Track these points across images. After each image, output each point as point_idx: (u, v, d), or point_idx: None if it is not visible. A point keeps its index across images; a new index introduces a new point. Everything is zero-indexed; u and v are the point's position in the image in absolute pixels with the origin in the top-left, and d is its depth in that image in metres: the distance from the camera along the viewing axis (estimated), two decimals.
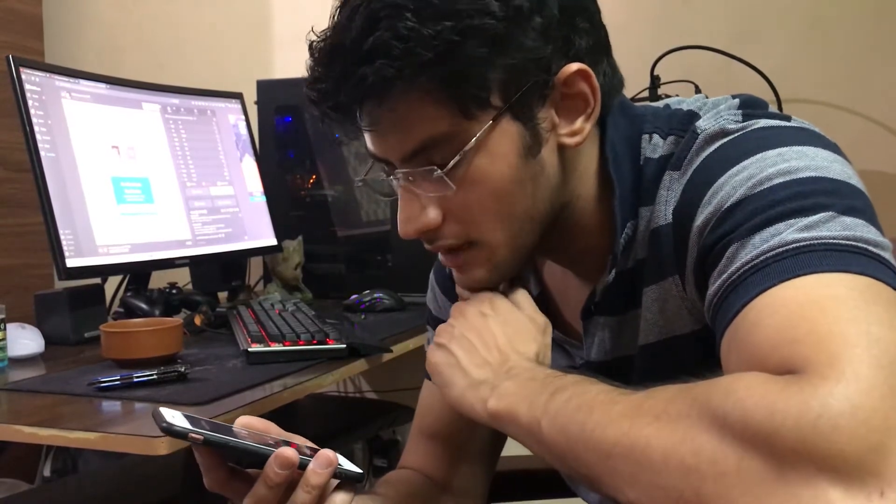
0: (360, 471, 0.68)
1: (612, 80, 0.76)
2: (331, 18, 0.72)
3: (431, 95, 0.68)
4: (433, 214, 0.74)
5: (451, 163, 0.70)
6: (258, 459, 0.64)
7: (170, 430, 0.62)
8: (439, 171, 0.70)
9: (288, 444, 0.69)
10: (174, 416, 0.65)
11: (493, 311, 0.77)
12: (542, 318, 0.79)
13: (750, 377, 0.54)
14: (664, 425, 0.55)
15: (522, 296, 0.80)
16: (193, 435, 0.63)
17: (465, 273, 0.78)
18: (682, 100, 0.80)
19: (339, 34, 0.69)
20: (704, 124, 0.73)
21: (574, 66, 0.71)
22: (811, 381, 0.51)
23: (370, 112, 0.70)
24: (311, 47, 0.72)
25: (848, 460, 0.48)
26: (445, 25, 0.66)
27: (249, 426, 0.70)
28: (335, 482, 0.67)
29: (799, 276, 0.58)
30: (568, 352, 0.86)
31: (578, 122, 0.73)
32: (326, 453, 0.65)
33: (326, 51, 0.71)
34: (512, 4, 0.68)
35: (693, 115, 0.75)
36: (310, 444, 0.70)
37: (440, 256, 0.79)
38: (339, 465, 0.66)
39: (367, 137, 0.74)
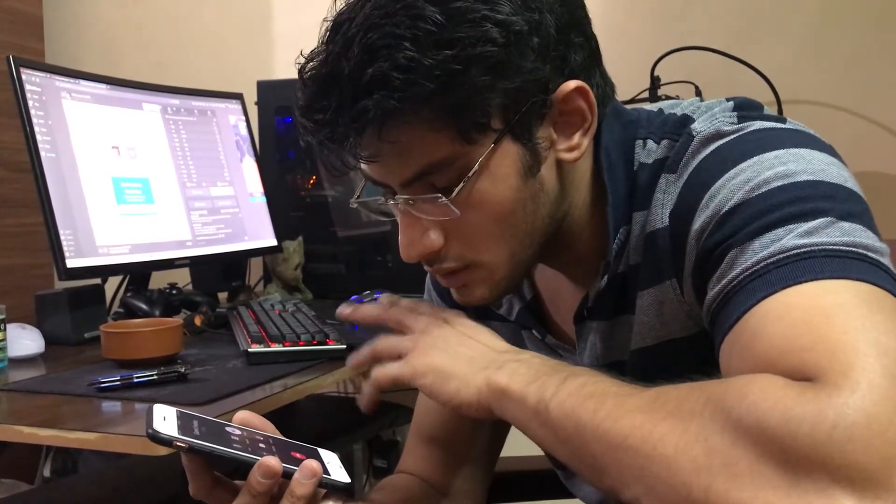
0: (348, 480, 0.67)
1: (605, 88, 0.76)
2: (320, 41, 0.70)
3: (432, 124, 0.67)
4: (435, 237, 0.73)
5: (456, 190, 0.69)
6: (243, 467, 0.63)
7: (154, 437, 0.62)
8: (444, 198, 0.70)
9: (286, 443, 0.68)
10: (165, 418, 0.64)
11: (467, 324, 0.76)
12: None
13: (764, 380, 0.53)
14: (677, 422, 0.55)
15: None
16: (178, 443, 0.62)
17: (466, 293, 0.77)
18: (676, 103, 0.80)
19: (335, 63, 0.67)
20: (699, 126, 0.72)
21: (572, 84, 0.71)
22: (826, 389, 0.51)
23: (369, 142, 0.69)
24: (301, 72, 0.71)
25: (862, 471, 0.48)
26: (446, 55, 0.65)
27: (248, 423, 0.70)
28: (323, 491, 0.66)
29: (800, 282, 0.58)
30: (561, 357, 0.85)
31: (576, 138, 0.73)
32: (311, 464, 0.64)
33: (322, 80, 0.69)
34: (512, 30, 0.67)
35: (687, 119, 0.75)
36: (308, 447, 0.70)
37: (439, 278, 0.78)
38: (327, 474, 0.65)
39: (365, 164, 0.73)
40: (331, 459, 0.69)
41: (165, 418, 0.64)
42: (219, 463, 0.65)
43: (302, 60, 0.71)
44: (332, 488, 0.66)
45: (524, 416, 0.65)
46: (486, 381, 0.68)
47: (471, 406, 0.69)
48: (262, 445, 0.66)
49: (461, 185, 0.69)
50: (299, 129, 0.72)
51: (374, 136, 0.68)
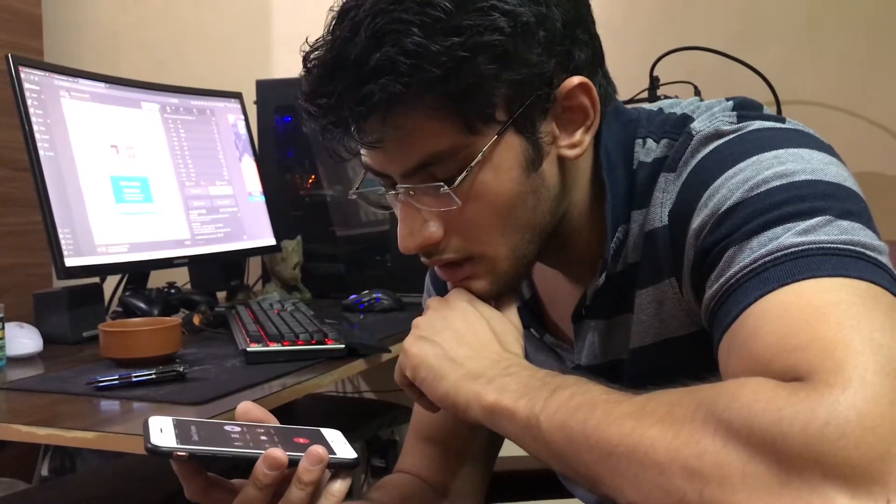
0: (355, 455, 0.66)
1: (607, 88, 0.76)
2: (326, 29, 0.70)
3: (437, 111, 0.67)
4: (435, 228, 0.73)
5: (459, 179, 0.69)
6: (247, 463, 0.63)
7: (154, 451, 0.61)
8: (446, 187, 0.70)
9: (288, 430, 0.68)
10: (162, 430, 0.63)
11: (475, 307, 0.76)
12: (520, 323, 0.78)
13: (755, 382, 0.53)
14: (668, 427, 0.55)
15: (504, 298, 0.79)
16: (178, 453, 0.62)
17: (467, 286, 0.77)
18: (676, 102, 0.80)
19: (342, 48, 0.67)
20: (699, 126, 0.73)
21: (575, 80, 0.71)
22: (817, 387, 0.51)
23: (373, 128, 0.69)
24: (306, 59, 0.71)
25: (855, 468, 0.48)
26: (454, 41, 0.65)
27: (249, 414, 0.69)
28: (330, 472, 0.65)
29: (798, 280, 0.58)
30: (559, 355, 0.86)
31: (578, 135, 0.73)
32: (316, 450, 0.64)
33: (328, 65, 0.69)
34: (520, 20, 0.67)
35: (687, 118, 0.75)
36: (310, 429, 0.69)
37: (437, 271, 0.78)
38: (332, 454, 0.65)
39: (367, 152, 0.73)
40: (335, 438, 0.69)
41: (162, 430, 0.63)
42: (222, 462, 0.65)
43: (307, 48, 0.71)
44: (340, 467, 0.66)
45: (516, 431, 0.65)
46: (476, 397, 0.67)
47: (458, 413, 0.68)
48: (263, 438, 0.66)
49: (464, 174, 0.69)
50: (302, 116, 0.72)
51: (379, 121, 0.68)
